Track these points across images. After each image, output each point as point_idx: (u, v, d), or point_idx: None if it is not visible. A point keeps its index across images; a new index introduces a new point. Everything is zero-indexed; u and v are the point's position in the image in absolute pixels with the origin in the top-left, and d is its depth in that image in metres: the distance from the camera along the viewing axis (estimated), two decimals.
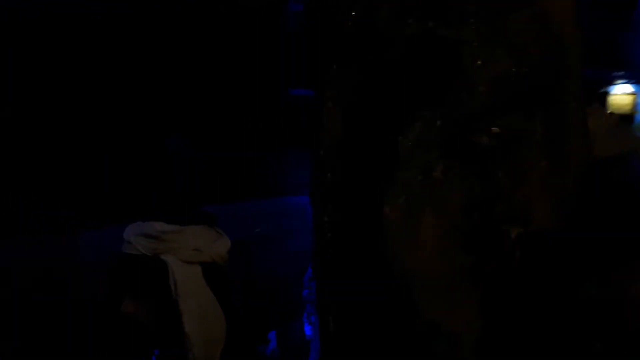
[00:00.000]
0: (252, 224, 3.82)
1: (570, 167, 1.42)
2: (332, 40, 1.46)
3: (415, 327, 1.36)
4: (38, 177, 3.36)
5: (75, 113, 3.58)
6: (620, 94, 5.05)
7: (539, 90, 1.34)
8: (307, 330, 2.18)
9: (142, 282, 1.11)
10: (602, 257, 1.31)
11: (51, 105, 3.51)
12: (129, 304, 1.11)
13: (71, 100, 3.61)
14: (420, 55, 1.36)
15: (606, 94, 4.98)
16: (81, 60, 3.63)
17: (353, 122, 1.48)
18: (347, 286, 1.44)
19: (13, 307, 2.48)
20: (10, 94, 3.36)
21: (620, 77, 4.90)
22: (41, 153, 3.44)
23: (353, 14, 1.40)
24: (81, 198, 3.34)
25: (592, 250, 1.30)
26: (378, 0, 1.38)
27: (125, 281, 1.12)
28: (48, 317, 2.44)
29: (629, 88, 4.96)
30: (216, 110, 3.98)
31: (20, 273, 2.74)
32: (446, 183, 1.38)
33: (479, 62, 1.33)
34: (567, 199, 1.39)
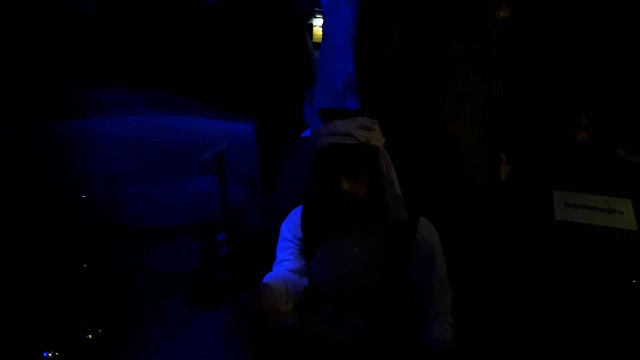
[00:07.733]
0: None
1: None
2: None
3: (464, 171, 2.22)
4: None
5: None
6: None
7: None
8: None
9: (360, 163, 1.57)
10: None
11: None
12: (345, 182, 1.56)
13: None
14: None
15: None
16: None
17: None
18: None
19: None
20: None
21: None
22: None
23: None
24: None
25: None
26: None
27: (343, 164, 1.56)
28: None
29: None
30: None
31: None
32: (477, 84, 2.22)
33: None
34: None
